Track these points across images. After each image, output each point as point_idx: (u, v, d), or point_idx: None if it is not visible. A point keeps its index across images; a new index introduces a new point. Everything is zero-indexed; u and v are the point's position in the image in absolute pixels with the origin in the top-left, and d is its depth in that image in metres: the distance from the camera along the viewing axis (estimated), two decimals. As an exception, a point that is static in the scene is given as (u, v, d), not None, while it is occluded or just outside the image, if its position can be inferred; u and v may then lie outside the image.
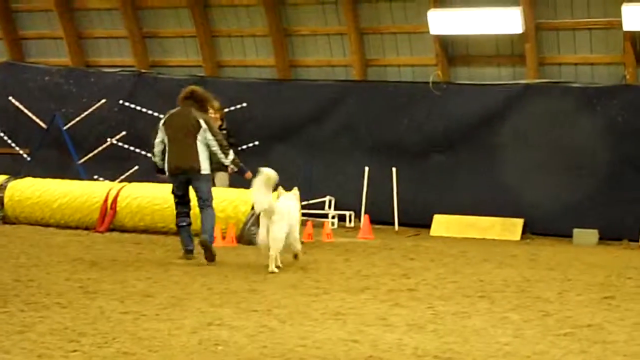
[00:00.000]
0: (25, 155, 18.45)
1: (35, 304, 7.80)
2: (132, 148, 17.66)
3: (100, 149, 17.82)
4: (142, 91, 17.77)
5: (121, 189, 14.37)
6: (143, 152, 17.49)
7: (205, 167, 11.19)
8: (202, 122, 11.16)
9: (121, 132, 17.70)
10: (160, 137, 11.29)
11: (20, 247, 11.83)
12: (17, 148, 18.52)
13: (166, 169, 11.25)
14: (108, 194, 14.22)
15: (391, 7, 16.49)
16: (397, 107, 16.18)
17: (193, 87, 11.65)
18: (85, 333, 6.70)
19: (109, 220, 14.02)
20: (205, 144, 11.13)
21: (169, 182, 11.47)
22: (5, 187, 14.83)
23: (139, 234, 13.72)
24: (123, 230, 13.93)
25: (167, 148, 11.20)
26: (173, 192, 11.38)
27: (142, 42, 18.25)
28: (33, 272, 9.74)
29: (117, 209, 14.08)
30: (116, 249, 12.14)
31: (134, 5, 18.08)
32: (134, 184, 14.82)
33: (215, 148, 11.20)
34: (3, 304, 7.79)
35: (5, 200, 14.72)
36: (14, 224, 14.51)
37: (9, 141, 18.59)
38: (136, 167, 17.48)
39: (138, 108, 17.67)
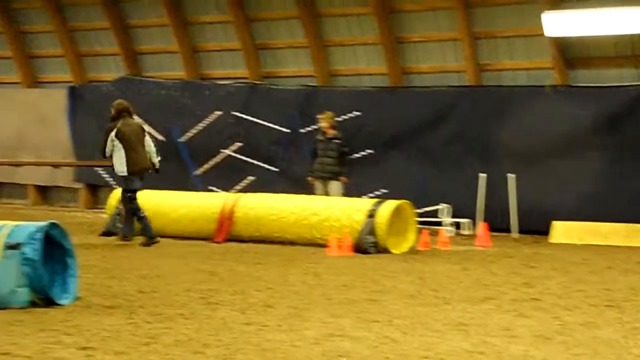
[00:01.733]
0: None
1: (160, 315, 7.91)
2: (247, 159, 17.86)
3: (215, 160, 18.08)
4: (255, 102, 17.95)
5: (238, 199, 14.51)
6: (257, 163, 17.68)
7: None
8: (144, 127, 13.82)
9: (236, 143, 17.92)
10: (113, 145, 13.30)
11: (141, 259, 12.06)
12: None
13: (127, 171, 13.26)
14: (225, 204, 14.38)
15: (505, 11, 16.22)
16: (513, 112, 15.88)
17: (121, 100, 14.01)
18: (210, 344, 6.74)
19: (226, 231, 14.18)
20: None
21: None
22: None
23: (256, 244, 13.82)
24: (240, 240, 14.06)
25: (125, 154, 13.19)
26: (134, 190, 13.47)
27: (255, 54, 18.44)
28: (155, 283, 9.90)
29: (234, 219, 14.23)
30: (234, 259, 12.24)
31: (246, 18, 18.28)
32: (249, 194, 14.96)
33: (153, 149, 13.74)
34: (129, 315, 7.93)
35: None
36: (135, 235, 14.79)
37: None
38: (251, 178, 17.67)
39: (252, 119, 17.86)
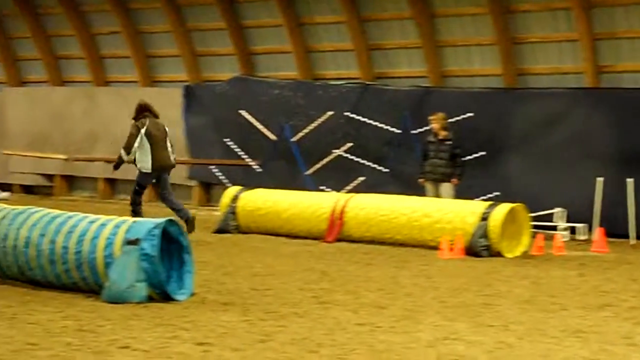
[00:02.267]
0: (255, 167, 19.09)
1: (274, 313, 7.97)
2: (357, 159, 17.86)
3: (326, 160, 18.15)
4: (367, 103, 17.94)
5: (349, 199, 14.52)
6: (368, 163, 17.66)
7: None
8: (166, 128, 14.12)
9: (347, 143, 17.95)
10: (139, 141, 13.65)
11: (254, 257, 12.19)
12: (249, 160, 19.19)
13: (151, 168, 13.72)
14: (336, 204, 14.41)
15: (627, 11, 15.76)
16: (633, 115, 15.42)
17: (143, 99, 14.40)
18: (324, 344, 6.76)
19: (337, 231, 14.20)
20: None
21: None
22: (238, 197, 15.34)
23: (366, 245, 13.80)
24: (350, 240, 14.06)
25: (151, 152, 13.65)
26: (144, 186, 14.14)
27: (368, 54, 18.42)
28: (268, 281, 9.98)
29: (345, 219, 14.24)
30: (345, 259, 12.25)
31: (360, 18, 18.28)
32: (360, 195, 14.95)
33: (172, 148, 14.10)
34: (243, 312, 8.02)
35: (238, 210, 15.23)
36: (247, 233, 14.98)
37: (241, 153, 19.29)
38: (362, 178, 17.66)
39: (363, 119, 17.86)
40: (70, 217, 9.13)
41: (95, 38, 21.88)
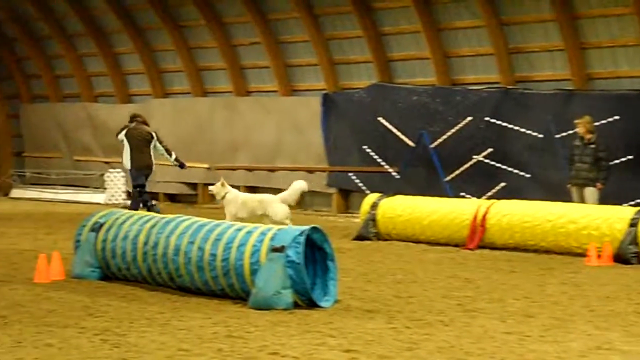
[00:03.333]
0: (394, 173, 19.06)
1: (419, 321, 7.91)
2: (498, 165, 17.59)
3: (466, 166, 17.95)
4: (507, 107, 17.65)
5: (490, 206, 14.30)
6: (509, 169, 17.37)
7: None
8: (153, 133, 16.32)
9: (487, 149, 17.71)
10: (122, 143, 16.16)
11: (395, 264, 12.15)
12: (387, 166, 19.18)
13: (131, 166, 16.04)
14: (477, 211, 14.22)
15: None
16: None
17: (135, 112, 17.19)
18: (472, 352, 6.66)
19: (479, 238, 14.01)
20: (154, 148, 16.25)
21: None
22: (378, 204, 15.33)
23: (509, 252, 13.55)
24: (493, 247, 13.83)
25: (130, 152, 15.99)
26: (141, 185, 16.14)
27: (508, 58, 18.12)
28: (411, 288, 9.93)
29: (487, 226, 14.03)
30: (488, 266, 12.07)
31: (500, 22, 18.01)
32: (502, 201, 14.70)
33: (162, 151, 16.45)
34: (388, 319, 8.00)
35: (378, 217, 15.22)
36: (387, 240, 14.95)
37: (379, 160, 19.30)
38: (503, 184, 17.38)
39: (504, 124, 17.57)
40: (217, 225, 9.33)
41: (236, 49, 22.33)
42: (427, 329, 7.58)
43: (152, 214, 10.47)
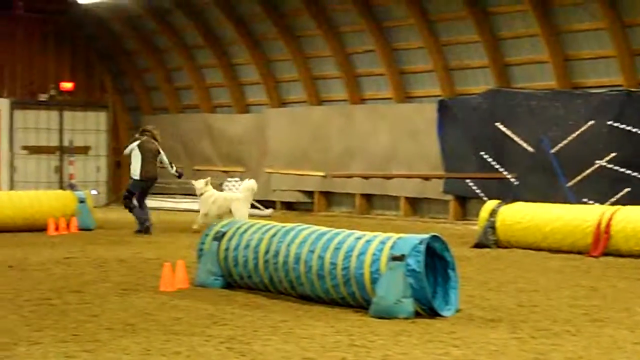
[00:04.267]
0: (513, 180, 18.77)
1: (545, 331, 7.75)
2: (622, 170, 17.12)
3: (588, 171, 17.53)
4: (631, 110, 17.16)
5: (615, 212, 13.92)
6: (634, 174, 16.88)
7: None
8: (159, 149, 17.40)
9: (610, 153, 17.25)
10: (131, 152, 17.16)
11: (517, 272, 11.94)
12: (505, 172, 18.90)
13: (139, 176, 16.94)
14: (601, 217, 13.85)
15: None
16: None
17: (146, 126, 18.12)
18: (602, 364, 6.49)
19: (603, 245, 13.65)
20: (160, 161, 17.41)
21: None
22: (497, 211, 15.12)
23: (636, 259, 13.15)
24: (618, 255, 13.47)
25: (141, 163, 16.93)
26: (133, 193, 16.98)
27: (631, 60, 17.62)
28: (534, 297, 9.74)
29: (611, 233, 13.66)
30: (613, 274, 11.74)
31: (622, 23, 17.53)
32: (627, 207, 14.29)
33: (167, 163, 17.55)
34: (512, 329, 7.86)
35: (497, 224, 15.00)
36: (507, 247, 14.73)
37: (497, 166, 19.03)
38: (627, 189, 16.90)
39: (628, 128, 17.09)
40: (337, 233, 9.35)
41: (351, 57, 22.41)
42: (553, 339, 7.42)
43: (227, 221, 10.79)
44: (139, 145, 17.12)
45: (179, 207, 24.60)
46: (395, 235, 9.03)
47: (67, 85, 27.19)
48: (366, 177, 22.01)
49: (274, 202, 23.98)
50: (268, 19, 23.17)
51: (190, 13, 24.73)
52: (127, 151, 17.29)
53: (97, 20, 26.76)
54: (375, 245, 8.82)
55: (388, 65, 21.43)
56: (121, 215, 22.56)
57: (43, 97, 26.95)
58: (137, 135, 17.56)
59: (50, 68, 27.23)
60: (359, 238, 9.09)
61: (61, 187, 25.50)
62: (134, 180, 17.07)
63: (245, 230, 10.23)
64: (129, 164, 17.34)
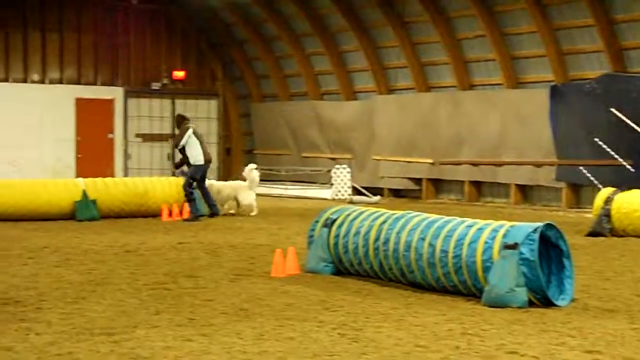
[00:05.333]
0: (628, 167, 18.27)
1: (665, 323, 7.53)
2: None
3: None
4: None
5: None
6: None
7: None
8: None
9: None
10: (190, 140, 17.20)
11: (633, 261, 11.63)
12: (620, 159, 18.41)
13: (203, 160, 17.10)
14: None
15: None
16: None
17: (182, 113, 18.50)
18: None
19: None
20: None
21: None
22: (612, 199, 14.75)
23: None
24: None
25: (200, 147, 17.11)
26: (196, 179, 17.09)
27: None
28: (652, 287, 9.47)
29: None
30: None
31: None
32: None
33: None
34: (630, 319, 7.67)
35: (613, 212, 14.63)
36: (622, 236, 14.36)
37: (612, 153, 18.55)
38: None
39: None
40: (448, 221, 9.28)
41: (461, 43, 22.17)
42: (673, 331, 7.20)
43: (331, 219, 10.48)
44: (194, 132, 17.27)
45: (288, 194, 24.83)
46: (507, 224, 8.90)
47: (179, 74, 27.74)
48: (475, 164, 21.77)
49: (381, 189, 23.96)
50: (377, 6, 23.10)
51: (299, 1, 24.87)
52: (184, 141, 17.12)
53: (208, 10, 27.19)
54: (487, 233, 8.71)
55: (499, 50, 21.10)
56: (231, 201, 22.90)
57: (156, 85, 27.55)
58: (184, 125, 17.37)
59: (162, 57, 27.81)
60: (470, 226, 9.00)
61: (173, 174, 26.07)
62: (197, 165, 17.09)
63: (355, 218, 10.25)
64: (181, 152, 17.23)
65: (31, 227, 15.39)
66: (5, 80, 25.76)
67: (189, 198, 17.04)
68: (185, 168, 17.65)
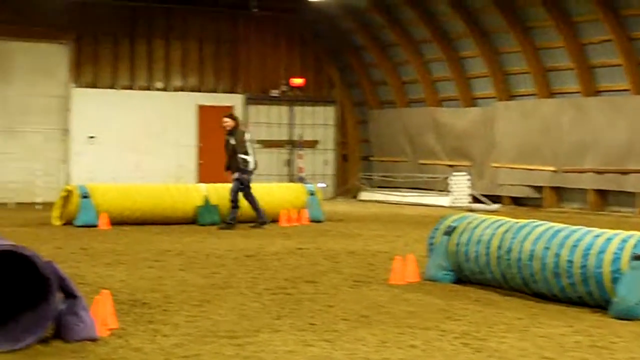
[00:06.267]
0: None
1: None
2: None
3: None
4: None
5: None
6: None
7: None
8: None
9: None
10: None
11: None
12: None
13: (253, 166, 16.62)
14: None
15: None
16: None
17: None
18: None
19: None
20: None
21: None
22: None
23: None
24: None
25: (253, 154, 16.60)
26: (248, 185, 16.56)
27: None
28: None
29: None
30: None
31: None
32: None
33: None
34: None
35: None
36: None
37: None
38: None
39: None
40: (574, 230, 9.03)
41: (585, 48, 21.64)
42: None
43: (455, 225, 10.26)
44: (250, 138, 16.83)
45: (405, 201, 24.71)
46: (637, 234, 8.61)
47: (298, 81, 27.98)
48: (600, 172, 21.19)
49: (500, 197, 23.59)
50: (498, 12, 22.78)
51: (418, 7, 24.76)
52: (249, 146, 16.51)
53: (326, 17, 27.35)
54: (616, 244, 8.44)
55: (625, 55, 20.50)
56: (348, 208, 22.98)
57: (274, 92, 27.86)
58: (240, 128, 16.85)
59: (281, 65, 28.11)
60: (597, 236, 8.74)
61: (290, 180, 26.29)
62: (249, 171, 16.54)
63: (477, 226, 10.09)
64: (237, 156, 16.39)
65: (156, 231, 15.76)
66: (130, 87, 26.48)
67: (235, 205, 16.54)
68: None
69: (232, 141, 16.54)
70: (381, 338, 7.09)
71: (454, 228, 10.25)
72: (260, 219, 16.71)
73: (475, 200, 23.23)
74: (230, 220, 16.53)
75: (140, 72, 26.61)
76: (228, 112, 17.87)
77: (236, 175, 16.53)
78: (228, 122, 16.76)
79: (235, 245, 13.70)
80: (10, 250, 6.62)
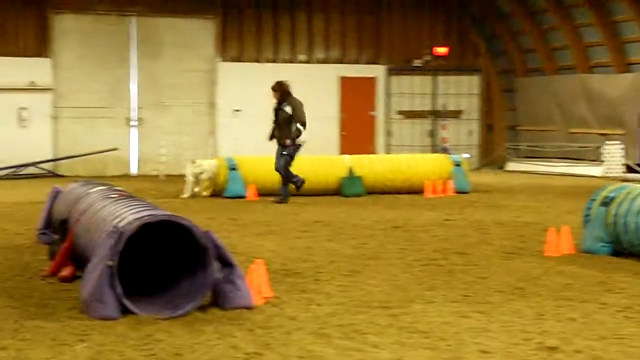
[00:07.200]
0: None
1: None
2: None
3: None
4: None
5: None
6: None
7: None
8: None
9: None
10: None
11: None
12: None
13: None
14: None
15: None
16: None
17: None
18: None
19: None
20: None
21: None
22: None
23: None
24: None
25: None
26: (293, 157, 15.51)
27: None
28: None
29: None
30: None
31: None
32: None
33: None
34: None
35: None
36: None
37: None
38: None
39: None
40: None
41: None
42: None
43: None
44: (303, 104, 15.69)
45: (555, 171, 24.06)
46: None
47: (442, 50, 27.55)
48: None
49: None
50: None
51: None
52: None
53: (471, -16, 26.82)
54: None
55: None
56: (494, 178, 22.56)
57: (417, 62, 27.55)
58: (294, 100, 15.83)
59: (424, 34, 27.75)
60: None
61: (434, 151, 25.99)
62: (298, 145, 15.73)
63: (636, 196, 9.67)
64: (292, 125, 15.66)
65: (301, 202, 15.85)
66: (274, 61, 26.70)
67: (290, 180, 15.63)
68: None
69: (288, 109, 15.59)
70: (538, 310, 6.88)
71: (612, 199, 9.85)
72: (283, 196, 15.69)
73: (630, 170, 22.36)
74: (300, 181, 15.75)
75: (283, 46, 26.80)
76: (275, 84, 16.08)
77: (286, 151, 15.57)
78: (277, 92, 15.85)
79: (382, 216, 13.63)
80: (169, 220, 6.74)
